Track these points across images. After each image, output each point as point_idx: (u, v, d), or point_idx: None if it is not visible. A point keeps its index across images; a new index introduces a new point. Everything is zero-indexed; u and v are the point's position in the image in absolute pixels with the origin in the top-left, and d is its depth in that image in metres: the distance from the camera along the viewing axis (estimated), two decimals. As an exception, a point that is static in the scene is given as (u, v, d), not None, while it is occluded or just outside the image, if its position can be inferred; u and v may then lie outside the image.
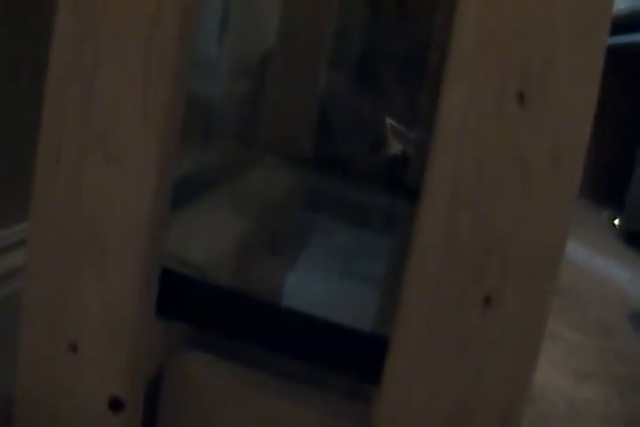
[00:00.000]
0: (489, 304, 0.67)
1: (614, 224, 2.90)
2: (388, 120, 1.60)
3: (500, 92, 0.64)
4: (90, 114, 0.72)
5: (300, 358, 0.78)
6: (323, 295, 0.97)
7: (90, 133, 0.72)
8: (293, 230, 1.22)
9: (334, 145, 1.48)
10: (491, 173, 0.65)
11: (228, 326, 0.80)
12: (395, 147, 1.56)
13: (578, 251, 2.47)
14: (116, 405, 0.77)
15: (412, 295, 0.69)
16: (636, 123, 2.84)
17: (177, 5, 0.69)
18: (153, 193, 0.73)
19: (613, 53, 3.27)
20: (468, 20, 0.64)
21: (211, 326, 0.81)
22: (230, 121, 1.40)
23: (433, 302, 0.68)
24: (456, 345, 0.68)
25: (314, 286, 1.01)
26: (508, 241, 0.66)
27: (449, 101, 0.65)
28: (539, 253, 0.66)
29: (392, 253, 1.15)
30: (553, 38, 0.63)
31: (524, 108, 0.64)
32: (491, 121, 0.64)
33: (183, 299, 0.80)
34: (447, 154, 0.66)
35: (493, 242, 0.66)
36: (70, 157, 0.73)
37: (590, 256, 2.45)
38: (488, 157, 0.65)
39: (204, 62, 1.29)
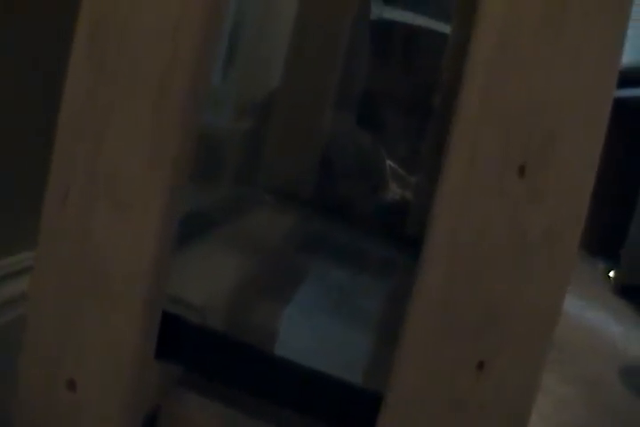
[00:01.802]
0: (482, 369, 0.67)
1: (609, 277, 2.90)
2: (390, 163, 1.60)
3: (501, 164, 0.65)
4: (99, 158, 0.73)
5: (293, 408, 0.78)
6: (319, 343, 0.96)
7: (98, 177, 0.73)
8: (292, 273, 1.21)
9: (335, 187, 1.47)
10: (489, 243, 0.66)
11: (224, 373, 0.80)
12: (395, 191, 1.56)
13: (571, 302, 2.46)
14: (110, 445, 0.76)
15: (407, 358, 0.68)
16: (634, 175, 2.85)
17: (192, 52, 0.70)
18: (158, 238, 0.73)
19: (618, 107, 3.28)
20: (473, 90, 0.65)
21: (207, 372, 0.81)
22: (232, 160, 1.40)
23: (427, 366, 0.68)
24: (449, 408, 0.68)
25: (311, 333, 1.00)
26: (504, 311, 0.66)
27: (450, 170, 0.66)
28: (533, 323, 0.66)
29: (390, 300, 1.15)
30: (556, 112, 0.64)
31: (525, 180, 0.64)
32: (491, 192, 0.65)
33: (182, 343, 0.80)
34: (446, 222, 0.66)
35: (489, 308, 0.66)
36: (78, 199, 0.74)
37: (584, 308, 2.44)
38: (487, 227, 0.66)
39: (207, 100, 1.29)
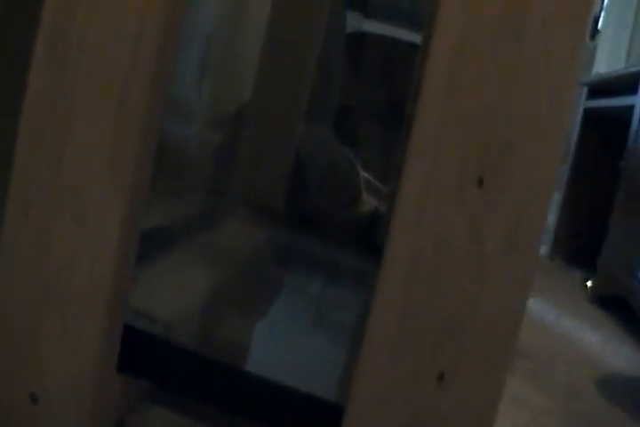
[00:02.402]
0: (443, 380, 0.67)
1: (586, 286, 2.91)
2: (364, 175, 1.60)
3: (459, 175, 0.65)
4: (59, 171, 0.73)
5: (258, 422, 0.77)
6: (287, 356, 0.96)
7: (58, 190, 0.73)
8: (262, 286, 1.21)
9: (308, 199, 1.47)
10: (448, 252, 0.66)
11: (187, 386, 0.79)
12: (369, 202, 1.56)
13: (548, 311, 2.46)
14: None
15: (367, 367, 0.69)
16: (610, 186, 2.86)
17: (150, 64, 0.70)
18: (118, 251, 0.73)
19: (591, 117, 3.32)
20: (431, 103, 0.65)
21: (170, 386, 0.81)
22: (203, 171, 1.40)
23: (387, 378, 0.68)
24: (410, 419, 0.68)
25: (279, 346, 0.99)
26: (463, 319, 0.66)
27: (409, 181, 0.66)
28: (493, 332, 0.66)
29: (362, 311, 1.14)
30: (514, 124, 0.65)
31: (483, 191, 0.65)
32: (450, 202, 0.65)
33: (144, 356, 0.80)
34: (406, 232, 0.67)
35: (448, 320, 0.67)
36: (38, 212, 0.74)
37: (560, 317, 2.44)
38: (446, 237, 0.66)
39: (178, 111, 1.29)
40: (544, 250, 3.36)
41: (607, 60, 3.77)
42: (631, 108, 2.75)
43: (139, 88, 0.70)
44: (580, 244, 3.28)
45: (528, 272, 0.66)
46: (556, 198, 3.33)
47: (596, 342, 2.26)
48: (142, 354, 0.79)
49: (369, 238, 1.37)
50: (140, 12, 0.69)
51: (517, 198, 0.65)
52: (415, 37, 1.92)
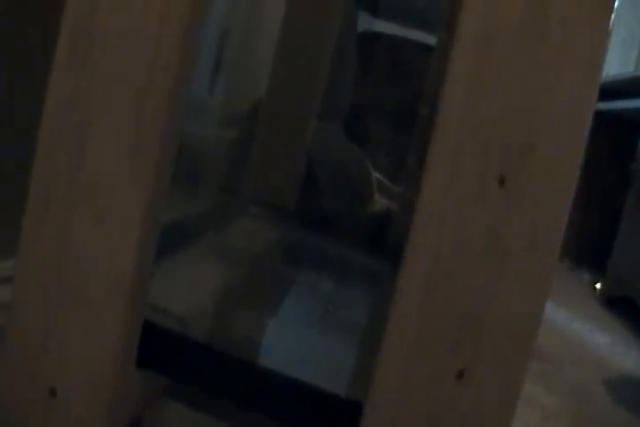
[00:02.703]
0: (462, 378, 0.67)
1: (595, 288, 2.91)
2: (376, 175, 1.60)
3: (481, 174, 0.65)
4: (80, 168, 0.73)
5: (275, 418, 0.78)
6: (302, 353, 0.96)
7: (78, 187, 0.73)
8: (275, 284, 1.21)
9: (320, 198, 1.47)
10: (468, 251, 0.66)
11: (205, 382, 0.80)
12: (381, 202, 1.56)
13: (557, 313, 2.46)
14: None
15: (387, 366, 0.69)
16: (621, 188, 2.86)
17: (171, 62, 0.70)
18: (138, 248, 0.73)
19: (602, 119, 3.32)
20: (453, 104, 0.66)
21: (188, 381, 0.81)
22: (218, 171, 1.40)
23: (406, 376, 0.68)
24: (429, 417, 0.68)
25: (293, 342, 1.00)
26: (483, 318, 0.67)
27: (431, 181, 0.66)
28: (513, 333, 0.67)
29: (375, 311, 1.14)
30: (535, 124, 0.65)
31: (505, 190, 0.65)
32: (471, 202, 0.65)
33: (163, 352, 0.80)
34: (427, 232, 0.67)
35: (468, 319, 0.67)
36: (58, 209, 0.74)
37: (570, 319, 2.44)
38: (467, 236, 0.66)
39: (192, 110, 1.29)
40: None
41: (618, 63, 3.77)
42: (642, 110, 2.75)
43: (160, 87, 0.70)
44: (590, 246, 3.28)
45: (547, 272, 0.66)
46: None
47: (605, 343, 2.26)
48: (161, 349, 0.80)
49: (380, 238, 1.37)
50: (161, 11, 0.70)
51: (538, 198, 0.65)
52: (426, 37, 1.92)
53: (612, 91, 3.25)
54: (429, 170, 0.66)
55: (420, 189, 0.67)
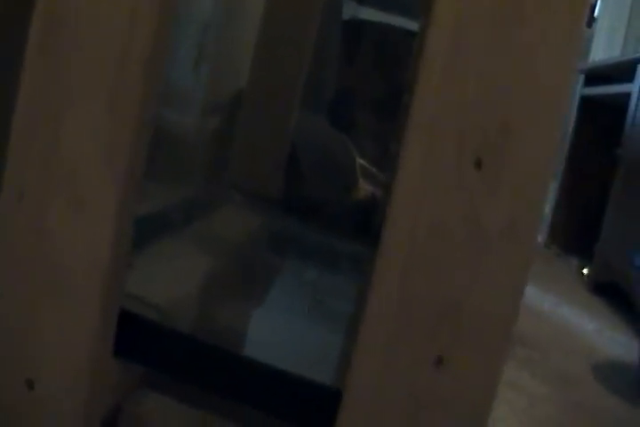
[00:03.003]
0: (441, 364, 0.67)
1: (583, 273, 2.91)
2: (361, 162, 1.60)
3: (457, 157, 0.65)
4: (54, 156, 0.72)
5: (254, 406, 0.77)
6: (284, 341, 0.96)
7: (53, 176, 0.73)
8: (259, 272, 1.20)
9: (304, 186, 1.47)
10: (446, 237, 0.66)
11: (184, 371, 0.79)
12: (366, 189, 1.56)
13: (544, 299, 2.47)
14: (68, 445, 0.76)
15: (364, 351, 0.68)
16: (607, 173, 2.86)
17: (144, 49, 0.69)
18: (114, 236, 0.73)
19: (588, 104, 3.32)
20: (428, 86, 0.65)
21: (167, 370, 0.81)
22: (199, 157, 1.39)
23: (384, 362, 0.68)
24: (408, 403, 0.68)
25: (276, 331, 1.00)
26: (461, 303, 0.66)
27: (407, 164, 0.65)
28: (492, 318, 0.66)
29: (359, 297, 1.14)
30: (511, 107, 0.64)
31: (481, 173, 0.64)
32: (448, 185, 0.65)
33: (140, 341, 0.80)
34: (404, 216, 0.66)
35: (446, 303, 0.66)
36: (33, 197, 0.74)
37: (557, 305, 2.45)
38: (444, 220, 0.66)
39: (174, 98, 1.29)
40: (540, 238, 3.36)
41: (604, 48, 3.77)
42: (628, 95, 2.75)
43: (133, 73, 0.70)
44: (577, 232, 3.29)
45: (527, 256, 0.65)
46: (553, 186, 3.33)
47: (592, 329, 2.27)
48: (139, 339, 0.79)
49: (366, 225, 1.37)
50: (132, 2, 0.69)
51: (516, 181, 0.64)
52: (411, 24, 1.92)
53: (598, 76, 3.26)
54: (405, 153, 0.65)
55: (396, 171, 0.66)
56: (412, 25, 1.88)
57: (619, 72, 2.91)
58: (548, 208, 3.32)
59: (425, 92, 0.65)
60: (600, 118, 3.31)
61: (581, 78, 3.42)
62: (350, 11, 2.08)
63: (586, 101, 3.36)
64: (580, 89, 3.41)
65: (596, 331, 2.27)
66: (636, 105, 2.67)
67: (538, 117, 0.64)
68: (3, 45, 0.97)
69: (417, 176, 0.65)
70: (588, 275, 2.83)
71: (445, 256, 0.66)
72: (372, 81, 1.84)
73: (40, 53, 0.72)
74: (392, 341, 0.67)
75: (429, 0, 0.66)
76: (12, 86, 0.97)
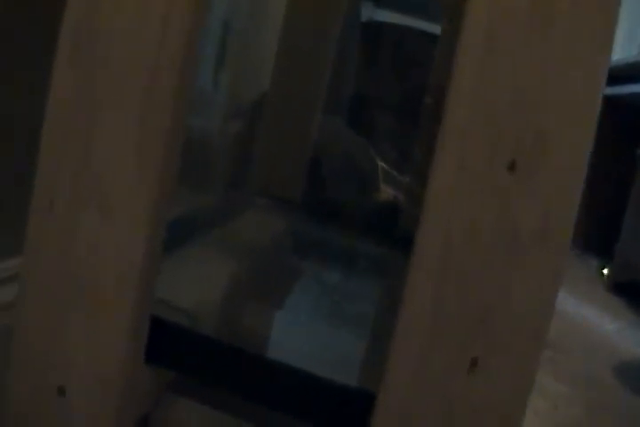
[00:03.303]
0: (475, 370, 0.67)
1: (603, 274, 2.90)
2: (382, 165, 1.60)
3: (491, 161, 0.65)
4: (85, 167, 0.73)
5: (285, 411, 0.78)
6: (311, 344, 0.96)
7: (84, 186, 0.73)
8: (283, 276, 1.21)
9: (326, 189, 1.47)
10: (480, 241, 0.66)
11: (215, 376, 0.80)
12: (387, 192, 1.56)
13: (566, 300, 2.46)
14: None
15: (399, 357, 0.69)
16: (627, 173, 2.85)
17: (175, 59, 0.70)
18: (145, 245, 0.73)
19: (607, 104, 3.29)
20: (462, 89, 0.65)
21: (198, 376, 0.81)
22: (224, 163, 1.40)
23: (419, 367, 0.68)
24: (442, 409, 0.68)
25: (302, 334, 1.00)
26: (495, 310, 0.66)
27: (440, 168, 0.66)
28: (526, 322, 0.66)
29: (382, 300, 1.15)
30: (545, 110, 0.64)
31: (515, 176, 0.64)
32: (482, 189, 0.65)
33: (172, 347, 0.80)
34: (437, 222, 0.66)
35: (481, 308, 0.66)
36: (64, 207, 0.74)
37: (578, 306, 2.44)
38: (478, 225, 0.66)
39: (197, 103, 1.29)
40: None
41: (622, 47, 3.75)
42: (647, 94, 2.74)
43: (165, 81, 0.70)
44: (597, 232, 3.27)
45: (560, 260, 0.65)
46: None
47: (613, 329, 2.26)
48: (170, 345, 0.80)
49: (388, 228, 1.37)
50: (164, 10, 0.70)
51: (550, 184, 0.64)
52: (430, 26, 1.91)
53: (616, 75, 3.24)
54: (439, 157, 0.66)
55: (430, 176, 0.66)
56: (431, 27, 1.87)
57: (638, 71, 2.90)
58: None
59: (458, 97, 0.65)
60: (620, 118, 3.29)
61: (600, 78, 3.39)
62: (368, 13, 2.07)
63: (606, 101, 3.34)
64: (599, 88, 3.38)
65: (617, 331, 2.26)
66: (656, 104, 2.66)
67: (572, 119, 0.64)
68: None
69: (451, 181, 0.65)
70: (609, 275, 2.81)
71: (479, 261, 0.66)
72: (391, 83, 1.84)
73: (69, 66, 0.72)
74: (426, 346, 0.67)
75: (459, 3, 0.66)
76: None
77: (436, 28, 1.64)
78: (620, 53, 3.68)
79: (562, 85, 0.64)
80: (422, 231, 0.67)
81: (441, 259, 0.66)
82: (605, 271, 2.88)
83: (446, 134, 0.66)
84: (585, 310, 2.41)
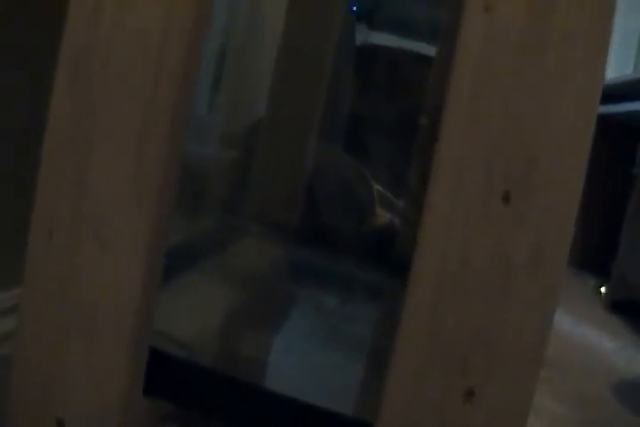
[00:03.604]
0: (472, 396, 0.67)
1: (600, 293, 2.90)
2: (378, 189, 1.60)
3: (486, 191, 0.65)
4: (83, 197, 0.74)
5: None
6: (309, 372, 0.96)
7: (82, 216, 0.74)
8: (280, 303, 1.21)
9: (322, 215, 1.47)
10: (475, 270, 0.66)
11: (213, 408, 0.80)
12: (383, 216, 1.56)
13: (563, 319, 2.46)
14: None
15: (396, 385, 0.69)
16: (623, 192, 2.86)
17: (172, 90, 0.71)
18: (144, 275, 0.74)
19: (601, 123, 3.30)
20: (456, 118, 0.66)
21: (196, 408, 0.81)
22: (219, 190, 1.40)
23: (416, 395, 0.68)
24: None
25: (299, 362, 1.00)
26: (492, 337, 0.67)
27: (435, 199, 0.66)
28: (522, 347, 0.67)
29: (380, 327, 1.15)
30: (538, 138, 0.65)
31: (509, 206, 0.65)
32: (476, 219, 0.66)
33: (170, 379, 0.81)
34: (432, 250, 0.67)
35: (477, 335, 0.67)
36: (63, 238, 0.75)
37: (576, 325, 2.44)
38: (473, 254, 0.66)
39: (193, 129, 1.30)
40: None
41: (616, 67, 3.76)
42: (642, 113, 2.75)
43: (161, 114, 0.71)
44: (593, 250, 3.27)
45: (554, 287, 0.66)
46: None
47: (611, 348, 2.26)
48: (168, 376, 0.80)
49: (384, 252, 1.37)
50: (160, 38, 0.70)
51: (544, 213, 0.65)
52: (424, 48, 1.92)
53: (610, 94, 3.25)
54: (434, 187, 0.67)
55: (425, 205, 0.67)
56: (426, 48, 1.88)
57: (632, 90, 2.91)
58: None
59: (453, 127, 0.66)
60: (615, 137, 3.30)
61: (594, 96, 3.40)
62: (362, 36, 2.08)
63: (600, 120, 3.35)
64: (593, 107, 3.39)
65: (615, 350, 2.25)
66: (651, 122, 2.67)
67: (565, 148, 0.65)
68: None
69: (445, 210, 0.66)
70: (606, 293, 2.81)
71: (474, 288, 0.66)
72: (386, 106, 1.84)
73: (67, 96, 0.73)
74: (423, 373, 0.68)
75: (454, 28, 0.67)
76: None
77: (430, 50, 1.64)
78: (615, 72, 3.70)
79: (554, 113, 0.64)
80: (418, 259, 0.67)
81: (436, 286, 0.67)
82: (603, 290, 2.88)
83: (441, 163, 0.66)
84: (583, 329, 2.41)
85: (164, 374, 0.79)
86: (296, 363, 1.00)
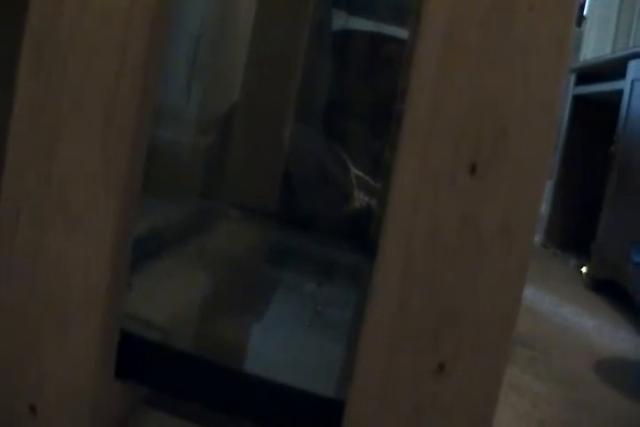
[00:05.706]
0: (442, 371, 0.67)
1: (581, 272, 2.92)
2: (356, 172, 1.61)
3: (452, 163, 0.65)
4: (50, 179, 0.73)
5: (258, 422, 0.78)
6: (286, 355, 0.96)
7: (50, 194, 0.73)
8: (257, 286, 1.21)
9: (300, 198, 1.48)
10: (443, 242, 0.66)
11: (186, 390, 0.80)
12: (361, 199, 1.57)
13: (545, 299, 2.47)
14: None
15: (366, 362, 0.69)
16: (602, 171, 2.87)
17: (136, 74, 0.70)
18: (112, 258, 0.73)
19: (581, 103, 3.32)
20: (423, 90, 0.65)
21: (170, 390, 0.81)
22: (196, 175, 1.40)
23: (386, 371, 0.68)
24: (411, 411, 0.68)
25: (276, 345, 1.00)
26: (461, 308, 0.67)
27: (402, 171, 0.66)
28: (492, 321, 0.67)
29: (358, 308, 1.15)
30: (505, 110, 0.65)
31: (476, 178, 0.65)
32: (443, 191, 0.65)
33: (141, 362, 0.80)
34: (401, 223, 0.67)
35: (446, 309, 0.67)
36: (30, 216, 0.74)
37: (557, 304, 2.45)
38: (441, 226, 0.66)
39: (168, 115, 1.30)
40: (538, 238, 3.36)
41: (594, 47, 3.78)
42: (620, 92, 2.75)
43: (126, 96, 0.70)
44: (574, 230, 3.29)
45: (523, 260, 0.66)
46: (548, 185, 3.33)
47: (592, 327, 2.27)
48: (140, 359, 0.80)
49: (362, 235, 1.38)
50: (127, 13, 0.70)
51: (511, 184, 0.65)
52: (401, 32, 1.92)
53: (589, 74, 3.26)
54: (400, 159, 0.66)
55: (392, 178, 0.67)
56: (402, 33, 1.88)
57: (610, 70, 2.92)
58: (544, 208, 3.32)
59: (418, 99, 0.65)
60: (593, 117, 3.31)
61: (573, 77, 3.42)
62: (341, 22, 2.08)
63: (578, 100, 3.36)
64: (572, 88, 3.41)
65: (596, 328, 2.26)
66: (629, 102, 2.68)
67: (532, 119, 0.64)
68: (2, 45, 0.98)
69: (413, 181, 0.66)
70: (587, 273, 2.83)
71: (443, 263, 0.66)
72: (364, 90, 1.85)
73: (32, 77, 0.72)
74: (393, 351, 0.68)
75: (420, 6, 0.67)
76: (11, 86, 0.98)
77: (406, 34, 1.64)
78: (593, 53, 3.71)
79: (521, 85, 0.64)
80: (385, 235, 0.67)
81: (404, 262, 0.67)
82: (584, 270, 2.90)
83: (407, 136, 0.66)
84: (565, 309, 2.42)
85: (135, 356, 0.79)
86: (273, 346, 1.00)
